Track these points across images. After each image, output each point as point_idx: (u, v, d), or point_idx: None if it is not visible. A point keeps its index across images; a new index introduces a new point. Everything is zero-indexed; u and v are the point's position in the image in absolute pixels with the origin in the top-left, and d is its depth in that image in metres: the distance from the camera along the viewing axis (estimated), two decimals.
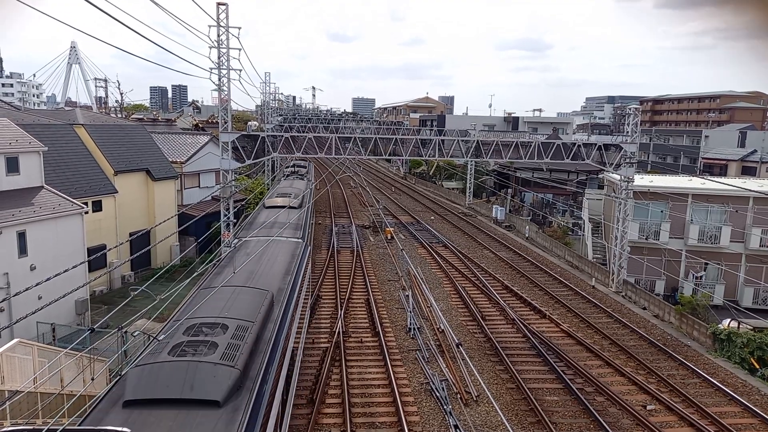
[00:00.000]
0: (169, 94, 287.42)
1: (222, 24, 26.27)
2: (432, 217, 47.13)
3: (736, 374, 19.52)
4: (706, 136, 71.97)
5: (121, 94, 78.49)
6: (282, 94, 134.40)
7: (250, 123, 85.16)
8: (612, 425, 15.70)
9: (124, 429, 6.21)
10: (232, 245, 16.71)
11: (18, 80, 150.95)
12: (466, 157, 30.71)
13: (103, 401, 7.35)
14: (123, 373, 7.75)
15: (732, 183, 32.41)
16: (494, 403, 15.30)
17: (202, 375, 7.45)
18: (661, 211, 32.03)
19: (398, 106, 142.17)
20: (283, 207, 22.90)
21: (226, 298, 10.37)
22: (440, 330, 22.02)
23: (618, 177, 30.36)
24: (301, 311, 13.45)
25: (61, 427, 5.99)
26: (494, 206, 49.05)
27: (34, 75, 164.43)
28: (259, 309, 10.20)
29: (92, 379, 15.00)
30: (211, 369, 7.60)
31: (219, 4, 26.17)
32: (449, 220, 46.08)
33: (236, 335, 8.73)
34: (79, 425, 6.82)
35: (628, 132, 30.64)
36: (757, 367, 20.03)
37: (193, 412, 6.88)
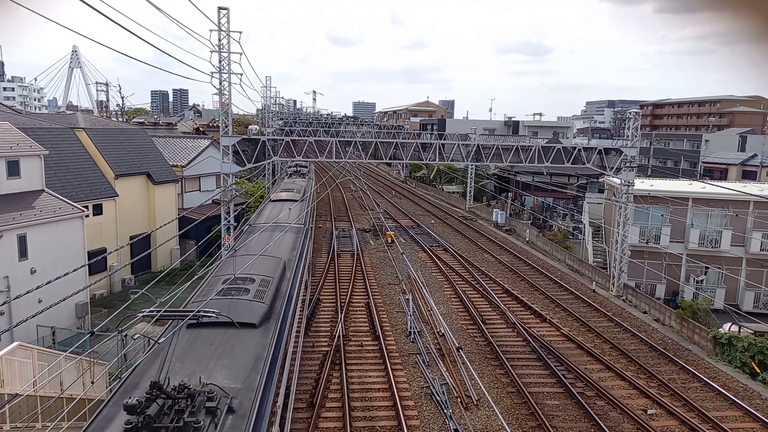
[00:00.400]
0: (170, 98, 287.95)
1: (223, 28, 26.34)
2: (432, 221, 47.13)
3: (737, 378, 19.49)
4: (707, 141, 72.02)
5: (122, 97, 78.64)
6: (283, 97, 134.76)
7: (250, 127, 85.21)
8: (613, 429, 15.67)
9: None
10: (247, 229, 19.58)
11: (19, 84, 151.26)
12: (467, 160, 30.74)
13: (168, 328, 9.73)
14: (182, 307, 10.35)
15: (732, 187, 32.42)
16: (494, 407, 15.28)
17: (242, 307, 10.14)
18: (662, 215, 32.04)
19: (399, 110, 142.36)
20: (287, 200, 25.38)
21: (249, 263, 12.93)
22: (440, 334, 22.00)
23: (618, 181, 30.37)
24: (303, 275, 16.85)
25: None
26: (494, 210, 49.05)
27: (36, 79, 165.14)
28: (276, 269, 13.20)
29: (92, 383, 15.02)
30: (248, 303, 10.40)
31: (220, 8, 26.25)
32: (450, 224, 46.08)
33: (262, 284, 11.53)
34: (156, 341, 8.63)
35: (628, 136, 30.65)
36: (758, 371, 19.99)
37: (239, 331, 9.38)
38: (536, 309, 25.61)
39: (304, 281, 16.86)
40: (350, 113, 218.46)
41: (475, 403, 16.92)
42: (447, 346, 20.86)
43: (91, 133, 33.71)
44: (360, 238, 39.26)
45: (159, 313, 8.83)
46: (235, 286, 11.27)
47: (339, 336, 21.15)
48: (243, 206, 41.11)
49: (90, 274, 27.11)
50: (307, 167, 46.10)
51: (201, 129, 67.72)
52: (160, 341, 9.03)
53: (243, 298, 10.63)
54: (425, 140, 36.44)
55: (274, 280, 12.33)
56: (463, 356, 18.97)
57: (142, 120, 74.71)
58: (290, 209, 22.40)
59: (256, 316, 9.99)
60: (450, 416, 15.89)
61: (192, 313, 8.96)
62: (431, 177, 71.74)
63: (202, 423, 6.16)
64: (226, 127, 28.26)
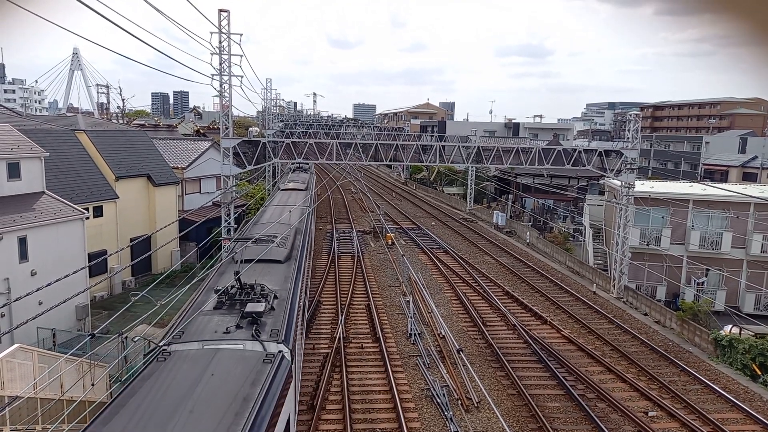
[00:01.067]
0: (171, 100, 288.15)
1: (223, 30, 26.37)
2: (433, 223, 47.13)
3: (738, 380, 19.45)
4: (707, 143, 71.93)
5: (123, 100, 78.64)
6: (283, 100, 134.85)
7: (251, 129, 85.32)
8: None
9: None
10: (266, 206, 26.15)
11: (20, 86, 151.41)
12: (467, 162, 30.73)
13: (222, 264, 14.14)
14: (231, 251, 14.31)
15: (733, 189, 32.39)
16: (495, 409, 15.27)
17: (272, 250, 14.29)
18: (662, 217, 32.02)
19: (399, 112, 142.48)
20: (294, 189, 30.75)
21: (272, 226, 17.89)
22: (441, 336, 21.98)
23: (619, 183, 30.37)
24: (308, 234, 22.61)
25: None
26: (495, 212, 49.04)
27: (36, 81, 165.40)
28: (290, 231, 17.80)
29: (92, 385, 15.00)
30: (276, 248, 14.62)
31: (221, 10, 26.30)
32: (450, 226, 46.08)
33: (282, 239, 15.89)
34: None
35: (628, 138, 30.64)
36: (759, 373, 19.97)
37: (270, 265, 13.66)
38: (537, 311, 25.59)
39: (309, 239, 23.74)
40: (351, 115, 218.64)
41: (476, 405, 16.90)
42: (447, 348, 20.84)
43: (92, 135, 33.74)
44: (360, 240, 39.26)
45: (234, 237, 14.53)
46: (263, 239, 15.08)
47: (339, 338, 21.14)
48: (243, 208, 41.15)
49: (90, 276, 27.12)
50: (308, 163, 47.37)
51: (201, 131, 67.78)
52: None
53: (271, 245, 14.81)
54: (426, 142, 36.45)
55: (290, 237, 17.27)
56: (464, 358, 18.94)
57: (142, 122, 74.73)
58: (297, 196, 28.05)
59: (281, 255, 14.31)
60: (451, 418, 15.86)
61: (256, 237, 14.92)
62: (432, 179, 71.76)
63: (262, 300, 10.42)
64: (227, 129, 28.28)
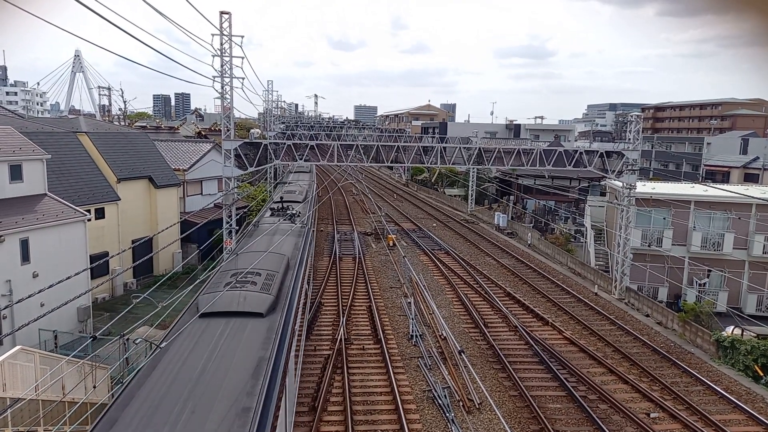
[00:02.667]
0: (172, 102, 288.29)
1: (225, 32, 26.40)
2: (434, 224, 47.12)
3: (740, 382, 19.43)
4: (708, 143, 71.88)
5: (125, 102, 78.84)
6: (284, 101, 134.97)
7: (252, 130, 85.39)
8: None
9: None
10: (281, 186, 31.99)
11: (22, 88, 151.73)
12: (468, 164, 30.72)
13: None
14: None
15: (734, 190, 32.35)
16: (497, 410, 15.27)
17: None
18: (664, 218, 31.97)
19: (400, 114, 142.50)
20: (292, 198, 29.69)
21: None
22: (442, 337, 21.98)
23: (620, 184, 30.34)
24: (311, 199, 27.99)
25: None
26: (496, 213, 49.02)
27: (38, 83, 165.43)
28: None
29: (94, 387, 15.01)
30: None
31: (222, 12, 26.33)
32: (451, 227, 46.07)
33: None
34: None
35: (629, 139, 30.62)
36: (761, 374, 19.93)
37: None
38: (538, 312, 25.58)
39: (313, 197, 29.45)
40: (352, 117, 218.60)
41: (478, 406, 16.88)
42: (449, 349, 20.83)
43: (94, 137, 33.78)
44: (362, 241, 39.26)
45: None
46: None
47: (341, 339, 21.14)
48: (245, 210, 41.15)
49: (92, 278, 27.15)
50: (308, 169, 48.11)
51: (203, 133, 67.84)
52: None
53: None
54: (427, 143, 36.41)
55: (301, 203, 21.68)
56: (465, 359, 18.93)
57: (144, 124, 74.86)
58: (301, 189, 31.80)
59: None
60: (452, 420, 15.86)
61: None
62: (433, 180, 71.74)
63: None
64: (228, 130, 28.29)
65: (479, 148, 30.64)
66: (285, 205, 22.74)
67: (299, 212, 22.52)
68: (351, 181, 71.03)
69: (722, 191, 30.62)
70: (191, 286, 15.17)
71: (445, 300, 27.29)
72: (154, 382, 7.82)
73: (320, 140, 50.23)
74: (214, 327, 9.89)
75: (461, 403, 16.96)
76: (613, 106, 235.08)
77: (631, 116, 32.25)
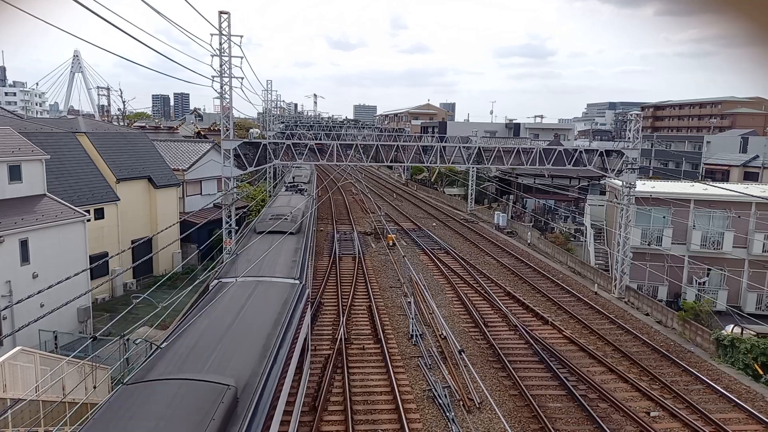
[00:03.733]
0: (172, 102, 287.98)
1: (224, 32, 26.39)
2: (434, 224, 47.12)
3: (740, 380, 19.44)
4: (708, 142, 71.84)
5: (124, 102, 78.76)
6: (284, 101, 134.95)
7: (252, 130, 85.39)
8: None
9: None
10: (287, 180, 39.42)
11: (21, 89, 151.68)
12: (468, 163, 30.71)
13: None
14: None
15: (734, 188, 32.35)
16: (497, 410, 15.26)
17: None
18: (664, 217, 31.97)
19: (400, 113, 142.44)
20: (301, 175, 40.59)
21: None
22: (442, 337, 21.98)
23: (620, 183, 30.34)
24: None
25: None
26: (496, 212, 49.03)
27: (37, 84, 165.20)
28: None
29: (94, 387, 15.02)
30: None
31: (221, 12, 26.31)
32: (451, 227, 46.07)
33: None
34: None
35: (629, 138, 30.63)
36: (761, 373, 19.94)
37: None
38: (538, 311, 25.59)
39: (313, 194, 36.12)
40: (351, 116, 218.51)
41: (478, 406, 16.89)
42: (449, 348, 20.83)
43: (93, 138, 33.77)
44: (361, 241, 39.26)
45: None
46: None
47: (341, 339, 21.15)
48: (244, 210, 41.13)
49: (92, 279, 27.16)
50: (308, 169, 48.55)
51: (202, 133, 67.80)
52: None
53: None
54: (426, 143, 36.37)
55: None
56: (465, 359, 18.94)
57: (143, 124, 74.82)
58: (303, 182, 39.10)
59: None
60: (452, 419, 15.86)
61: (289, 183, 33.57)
62: (432, 180, 71.74)
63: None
64: (227, 130, 28.29)
65: (479, 148, 30.63)
66: (296, 182, 36.85)
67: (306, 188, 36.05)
68: (351, 181, 71.05)
69: (722, 190, 30.62)
70: (191, 287, 15.18)
71: (445, 299, 27.30)
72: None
73: (320, 140, 50.27)
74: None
75: (461, 403, 16.97)
76: (612, 105, 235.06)
77: (631, 115, 32.26)
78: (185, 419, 7.33)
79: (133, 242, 31.77)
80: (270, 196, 43.80)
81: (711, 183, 40.22)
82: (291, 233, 19.72)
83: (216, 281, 14.61)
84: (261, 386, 8.79)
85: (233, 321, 11.23)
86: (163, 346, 9.51)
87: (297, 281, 14.79)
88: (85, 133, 34.16)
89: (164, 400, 7.80)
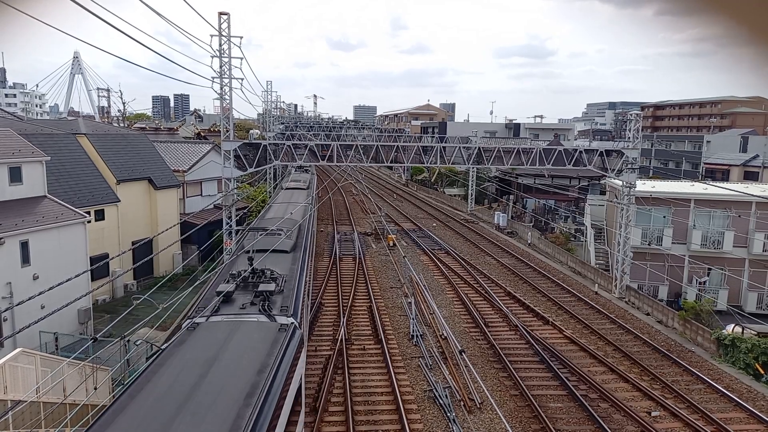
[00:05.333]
0: (172, 103, 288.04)
1: (223, 33, 26.40)
2: (434, 224, 47.12)
3: (741, 380, 19.43)
4: (708, 142, 71.86)
5: (124, 103, 78.77)
6: (284, 102, 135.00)
7: (252, 131, 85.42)
8: None
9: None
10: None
11: (21, 90, 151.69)
12: (468, 163, 30.72)
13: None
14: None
15: (734, 188, 32.36)
16: (498, 410, 15.26)
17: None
18: (664, 217, 31.99)
19: (399, 114, 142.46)
20: (299, 180, 37.36)
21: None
22: (443, 337, 21.98)
23: (620, 183, 30.34)
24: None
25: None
26: (496, 213, 49.03)
27: (37, 85, 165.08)
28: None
29: (95, 389, 15.01)
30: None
31: (221, 13, 26.33)
32: (451, 227, 46.07)
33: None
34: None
35: (629, 138, 30.64)
36: (762, 372, 19.94)
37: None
38: (539, 311, 25.58)
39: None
40: (351, 117, 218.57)
41: (479, 406, 16.89)
42: (450, 349, 20.83)
43: (93, 139, 33.77)
44: (362, 241, 39.26)
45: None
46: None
47: (341, 340, 21.15)
48: (245, 211, 41.15)
49: (92, 280, 27.16)
50: (309, 170, 48.47)
51: (202, 134, 67.88)
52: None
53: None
54: (426, 143, 36.40)
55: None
56: (466, 359, 18.94)
57: (143, 125, 74.87)
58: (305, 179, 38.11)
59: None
60: (453, 420, 15.86)
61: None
62: (432, 180, 71.75)
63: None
64: (227, 131, 28.30)
65: (479, 148, 30.65)
66: (296, 184, 34.75)
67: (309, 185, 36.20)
68: (351, 181, 71.07)
69: (722, 189, 30.63)
70: (191, 288, 15.18)
71: (445, 300, 27.30)
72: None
73: (320, 140, 50.30)
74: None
75: (462, 403, 16.97)
76: (612, 105, 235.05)
77: (631, 115, 32.26)
78: None
79: (133, 243, 31.77)
80: (270, 197, 43.82)
81: (711, 182, 40.22)
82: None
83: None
84: None
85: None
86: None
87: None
88: (85, 134, 34.16)
89: None
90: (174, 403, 7.18)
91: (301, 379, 9.99)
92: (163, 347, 8.97)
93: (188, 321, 10.09)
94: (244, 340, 9.20)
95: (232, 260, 15.16)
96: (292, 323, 10.20)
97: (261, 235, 16.77)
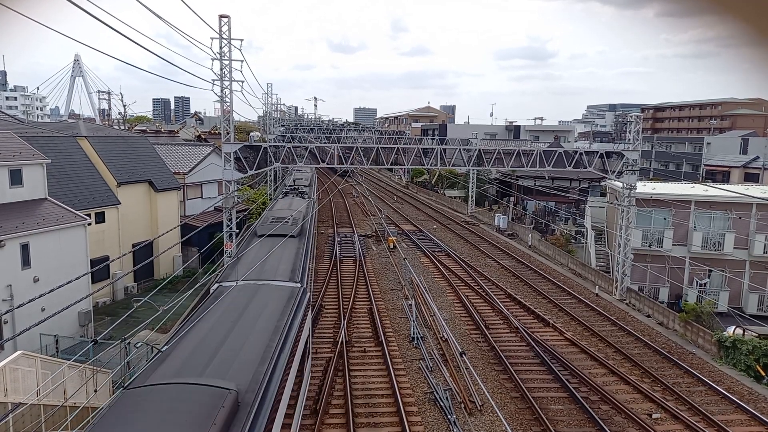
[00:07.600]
0: (172, 106, 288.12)
1: (224, 36, 26.44)
2: (434, 226, 47.11)
3: (742, 382, 19.40)
4: (708, 143, 71.88)
5: (124, 106, 78.85)
6: (284, 104, 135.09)
7: (252, 134, 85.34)
8: None
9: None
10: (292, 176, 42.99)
11: (22, 93, 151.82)
12: (468, 165, 30.73)
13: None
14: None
15: (735, 190, 32.33)
16: (498, 412, 15.24)
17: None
18: (664, 219, 31.97)
19: (400, 116, 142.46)
20: (301, 178, 41.24)
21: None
22: (443, 339, 21.96)
23: (620, 184, 30.34)
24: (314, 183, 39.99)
25: None
26: (496, 215, 49.02)
27: (38, 88, 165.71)
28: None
29: (95, 391, 14.99)
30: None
31: (221, 16, 26.37)
32: (451, 229, 46.06)
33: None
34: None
35: (629, 139, 30.65)
36: (763, 374, 19.91)
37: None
38: (539, 313, 25.56)
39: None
40: (352, 119, 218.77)
41: (479, 408, 16.87)
42: (450, 351, 20.81)
43: (93, 142, 33.79)
44: (362, 243, 39.25)
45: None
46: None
47: (342, 342, 21.13)
48: (245, 213, 41.17)
49: (93, 282, 27.13)
50: (309, 172, 48.73)
51: (202, 136, 67.89)
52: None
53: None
54: (427, 145, 36.41)
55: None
56: (467, 361, 18.92)
57: (143, 128, 74.91)
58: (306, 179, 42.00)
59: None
60: (454, 422, 15.84)
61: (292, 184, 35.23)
62: (433, 182, 71.76)
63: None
64: (228, 134, 28.33)
65: (479, 150, 30.65)
66: (297, 186, 36.14)
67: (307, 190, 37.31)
68: (351, 183, 71.07)
69: (722, 191, 30.63)
70: (192, 290, 15.18)
71: (445, 302, 27.28)
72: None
73: (320, 143, 50.34)
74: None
75: (463, 405, 16.95)
76: (612, 107, 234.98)
77: (631, 116, 32.27)
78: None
79: (134, 246, 31.77)
80: (271, 199, 43.87)
81: (711, 184, 40.19)
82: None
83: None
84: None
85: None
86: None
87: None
88: (85, 136, 34.18)
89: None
90: (224, 330, 10.87)
91: (309, 324, 15.01)
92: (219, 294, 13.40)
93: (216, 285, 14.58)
94: (273, 293, 13.69)
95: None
96: (302, 287, 14.68)
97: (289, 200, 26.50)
